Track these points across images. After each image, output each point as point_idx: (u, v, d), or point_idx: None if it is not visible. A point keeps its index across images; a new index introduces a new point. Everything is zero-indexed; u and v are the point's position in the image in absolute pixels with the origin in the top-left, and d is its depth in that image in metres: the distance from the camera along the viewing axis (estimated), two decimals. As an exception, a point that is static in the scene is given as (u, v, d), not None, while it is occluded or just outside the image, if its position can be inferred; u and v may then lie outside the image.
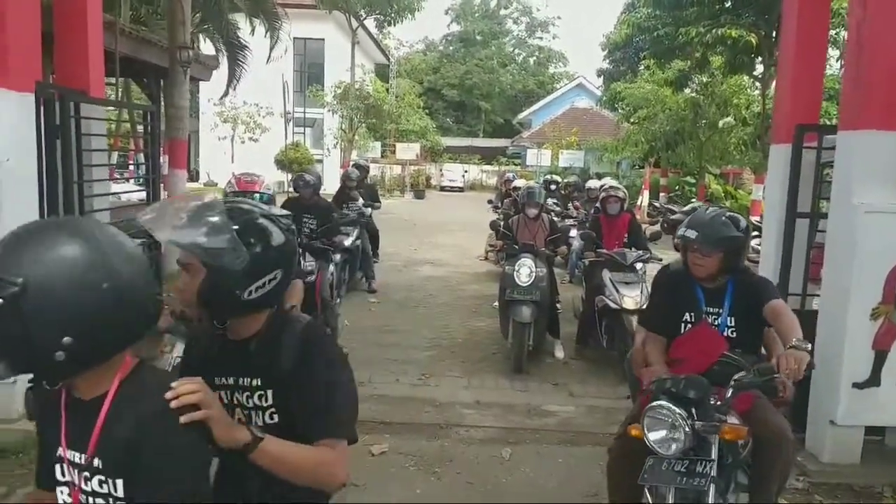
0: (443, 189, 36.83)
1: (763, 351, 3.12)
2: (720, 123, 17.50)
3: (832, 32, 13.27)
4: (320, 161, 29.44)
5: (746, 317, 2.88)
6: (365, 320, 7.71)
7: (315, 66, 31.28)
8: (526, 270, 5.97)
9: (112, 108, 11.75)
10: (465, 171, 39.55)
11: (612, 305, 5.86)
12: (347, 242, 8.56)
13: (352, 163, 12.92)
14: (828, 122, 7.87)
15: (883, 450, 4.40)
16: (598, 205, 7.19)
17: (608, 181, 10.28)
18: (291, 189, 10.47)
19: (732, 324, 2.91)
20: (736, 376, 2.53)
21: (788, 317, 2.76)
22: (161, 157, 6.81)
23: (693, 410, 2.40)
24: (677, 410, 2.38)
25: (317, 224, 6.79)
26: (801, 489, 3.98)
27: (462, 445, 4.47)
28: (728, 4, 14.62)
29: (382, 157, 34.55)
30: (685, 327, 2.97)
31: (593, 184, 11.36)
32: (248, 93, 24.83)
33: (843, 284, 4.18)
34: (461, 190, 37.03)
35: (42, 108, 4.49)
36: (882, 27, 4.12)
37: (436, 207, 26.10)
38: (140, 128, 13.37)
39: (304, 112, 29.69)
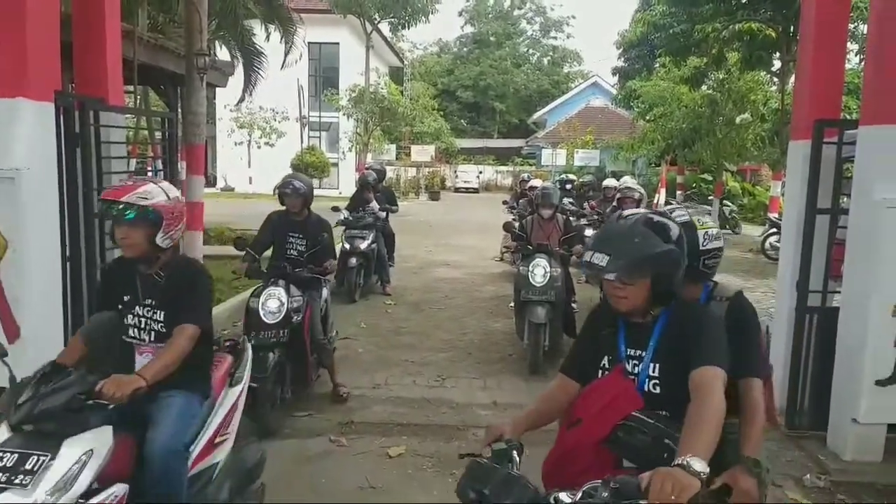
0: (457, 190, 36.96)
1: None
2: (737, 120, 17.33)
3: (851, 26, 13.12)
4: (335, 164, 29.60)
5: (678, 365, 1.98)
6: (381, 322, 7.72)
7: (330, 71, 31.44)
8: (540, 271, 5.96)
9: (131, 115, 11.85)
10: (480, 172, 39.71)
11: None
12: (363, 246, 8.62)
13: (366, 166, 12.94)
14: (847, 118, 7.77)
15: (907, 448, 4.34)
16: (614, 204, 7.18)
17: (627, 180, 10.15)
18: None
19: (656, 373, 2.05)
20: (585, 486, 1.71)
21: (705, 409, 1.82)
22: (179, 164, 6.88)
23: None
24: None
25: (306, 245, 5.24)
26: (824, 488, 3.93)
27: (480, 447, 4.44)
28: (744, 0, 14.51)
29: (397, 159, 34.68)
30: (602, 376, 2.16)
31: (610, 183, 11.19)
32: (264, 98, 24.98)
33: (865, 281, 4.14)
34: (476, 191, 37.13)
35: (62, 117, 4.55)
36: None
37: (451, 209, 26.11)
38: (158, 135, 13.49)
39: (320, 116, 29.88)
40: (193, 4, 7.62)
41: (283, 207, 5.35)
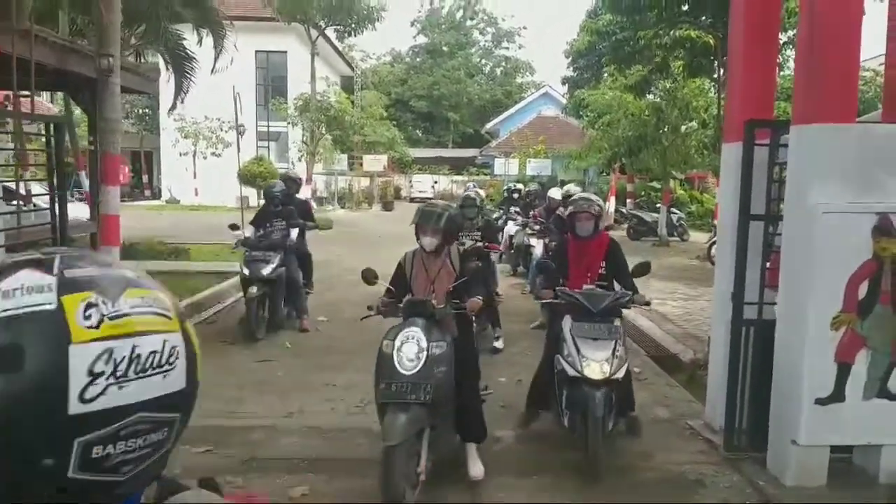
0: (412, 200, 36.64)
1: None
2: (682, 128, 17.37)
3: (791, 33, 13.17)
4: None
5: None
6: (309, 341, 7.26)
7: (278, 79, 30.86)
8: (412, 348, 3.72)
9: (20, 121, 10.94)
10: (435, 182, 39.57)
11: (570, 371, 4.07)
12: (266, 271, 7.08)
13: (279, 177, 12.07)
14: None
15: (851, 470, 4.06)
16: (557, 214, 6.49)
17: (571, 188, 9.04)
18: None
19: None
20: None
21: None
22: (79, 173, 6.30)
23: None
24: None
25: None
26: (763, 519, 3.62)
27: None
28: (685, 7, 14.49)
29: (350, 169, 34.14)
30: None
31: (555, 193, 9.80)
32: (210, 107, 24.27)
33: (801, 291, 3.85)
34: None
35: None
36: (833, 15, 3.83)
37: (405, 219, 25.30)
38: (84, 142, 12.78)
39: (268, 125, 29.16)
40: (101, 4, 7.07)
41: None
